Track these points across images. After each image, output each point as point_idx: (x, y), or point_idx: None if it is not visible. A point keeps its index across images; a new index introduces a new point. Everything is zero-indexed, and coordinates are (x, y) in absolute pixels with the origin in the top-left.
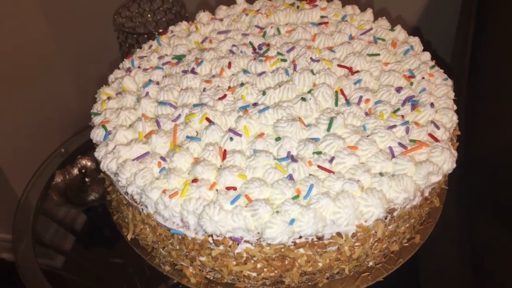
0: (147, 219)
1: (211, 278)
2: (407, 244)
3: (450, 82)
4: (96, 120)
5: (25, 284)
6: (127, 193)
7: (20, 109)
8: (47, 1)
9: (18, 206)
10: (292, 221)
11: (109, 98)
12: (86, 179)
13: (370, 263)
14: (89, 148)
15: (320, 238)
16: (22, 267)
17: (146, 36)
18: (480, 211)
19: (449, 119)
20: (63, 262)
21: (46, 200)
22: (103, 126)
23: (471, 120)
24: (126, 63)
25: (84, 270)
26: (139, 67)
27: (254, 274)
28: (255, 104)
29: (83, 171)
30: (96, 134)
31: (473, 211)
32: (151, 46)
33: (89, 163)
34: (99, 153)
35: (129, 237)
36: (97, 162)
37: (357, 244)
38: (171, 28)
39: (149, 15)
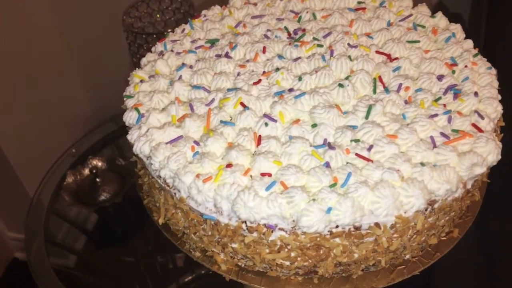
0: (179, 204)
1: (243, 265)
2: (444, 238)
3: (494, 71)
4: (129, 102)
5: (37, 282)
6: (160, 176)
7: (31, 110)
8: (56, 2)
9: (31, 206)
10: (329, 210)
11: (142, 81)
12: (97, 179)
13: (407, 256)
14: (100, 148)
15: (357, 228)
16: (35, 266)
17: (155, 36)
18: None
19: (494, 109)
20: (76, 262)
21: (57, 200)
22: (136, 109)
23: None
24: (159, 47)
25: (96, 269)
26: (171, 50)
27: (287, 263)
28: (290, 90)
29: (94, 171)
30: (129, 117)
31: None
32: (183, 30)
33: (100, 163)
34: (132, 136)
35: (160, 221)
36: (107, 162)
37: (395, 235)
38: (203, 12)
39: (158, 15)
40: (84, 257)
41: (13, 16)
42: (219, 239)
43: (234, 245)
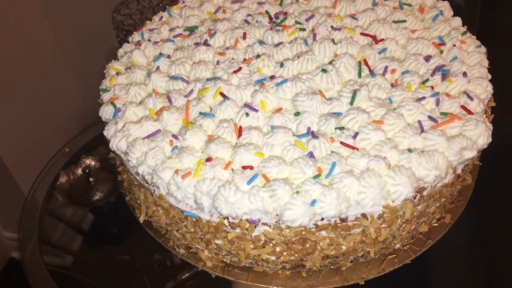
0: (159, 201)
1: (228, 261)
2: (436, 225)
3: (483, 49)
4: (105, 97)
5: (31, 282)
6: (138, 173)
7: (25, 109)
8: (47, 1)
9: (24, 205)
10: (313, 202)
11: (118, 73)
12: (91, 179)
13: (397, 245)
14: (94, 147)
15: (343, 220)
16: (28, 265)
17: None
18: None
19: (484, 89)
20: (71, 261)
21: (51, 200)
22: (112, 103)
23: None
24: (136, 36)
25: (92, 269)
26: (149, 40)
27: (273, 258)
28: (272, 77)
29: (87, 170)
30: (105, 112)
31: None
32: (161, 17)
33: (93, 163)
34: (108, 132)
35: (141, 219)
36: (101, 161)
37: (383, 225)
38: None
39: (148, 12)
40: (79, 257)
41: (4, 16)
42: (202, 236)
43: (217, 242)
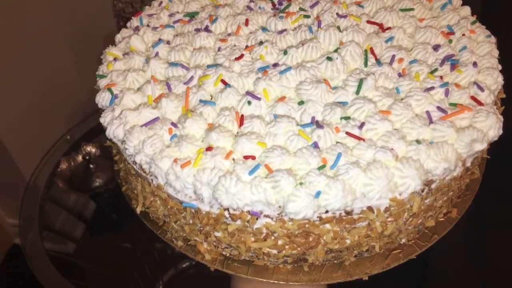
0: (157, 191)
1: (227, 254)
2: (442, 219)
3: (493, 39)
4: (102, 83)
5: (31, 267)
6: (135, 162)
7: (27, 97)
8: None
9: (25, 192)
10: (317, 194)
11: (115, 59)
12: (91, 166)
13: (403, 240)
14: (95, 135)
15: (348, 213)
16: (29, 251)
17: None
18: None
19: (494, 80)
20: (73, 248)
21: (52, 186)
22: (109, 90)
23: None
24: (134, 22)
25: (93, 255)
26: (148, 25)
27: (275, 252)
28: (275, 65)
29: (87, 157)
30: (102, 98)
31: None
32: (161, 2)
33: (93, 150)
34: (104, 119)
35: (138, 210)
36: (101, 149)
37: (389, 219)
38: None
39: (149, 1)
40: (80, 243)
41: (6, 3)
42: (201, 228)
43: (217, 234)
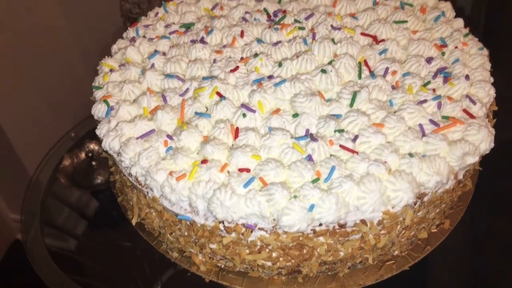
0: (152, 203)
1: (222, 266)
2: (435, 230)
3: (486, 51)
4: (98, 94)
5: (31, 263)
6: (131, 174)
7: (34, 93)
8: None
9: (28, 187)
10: (311, 207)
11: (111, 70)
12: (93, 163)
13: (396, 252)
14: None
15: (342, 226)
16: (30, 247)
17: None
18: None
19: (486, 93)
20: (74, 245)
21: (55, 182)
22: (105, 101)
23: None
24: (130, 32)
25: (93, 253)
26: (144, 36)
27: (269, 264)
28: (270, 77)
29: (90, 154)
30: (98, 110)
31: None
32: (157, 13)
33: (96, 147)
34: (100, 131)
35: (133, 221)
36: None
37: (383, 232)
38: None
39: (156, 2)
40: (82, 240)
41: (17, 5)
42: (196, 240)
43: (212, 246)
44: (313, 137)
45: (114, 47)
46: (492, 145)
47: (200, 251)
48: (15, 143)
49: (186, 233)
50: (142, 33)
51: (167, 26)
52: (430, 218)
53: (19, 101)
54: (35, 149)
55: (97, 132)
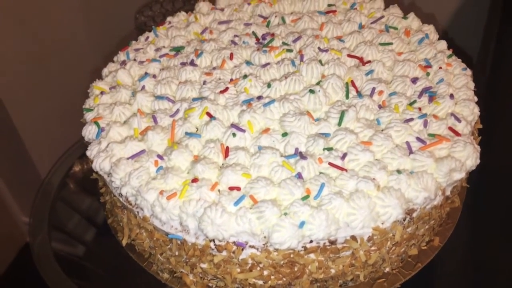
0: (143, 223)
1: (214, 286)
2: (425, 248)
3: (469, 72)
4: (88, 116)
5: (37, 266)
6: (121, 194)
7: (53, 99)
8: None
9: (38, 191)
10: (302, 224)
11: (102, 92)
12: None
13: (387, 269)
14: None
15: (332, 242)
16: (37, 250)
17: None
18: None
19: (470, 112)
20: (80, 250)
21: (65, 188)
22: (96, 123)
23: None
24: (121, 56)
25: (99, 259)
26: (134, 59)
27: (260, 282)
28: (259, 98)
29: None
30: (88, 132)
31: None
32: (147, 37)
33: None
34: (91, 152)
35: (124, 242)
36: None
37: (373, 248)
38: (169, 19)
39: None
40: (88, 246)
41: (44, 13)
42: (187, 260)
43: (203, 265)
44: (302, 155)
45: (105, 70)
46: (478, 161)
47: (191, 271)
48: (29, 147)
49: (177, 253)
50: (132, 56)
51: (157, 49)
52: (420, 235)
53: (35, 106)
54: (49, 153)
55: (88, 153)
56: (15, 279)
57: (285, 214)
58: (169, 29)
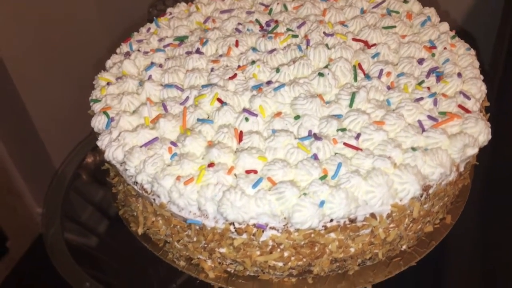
0: (160, 210)
1: (232, 271)
2: (438, 226)
3: (473, 51)
4: (96, 107)
5: (50, 257)
6: (136, 182)
7: (66, 89)
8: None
9: (51, 182)
10: (322, 203)
11: (108, 83)
12: None
13: (404, 247)
14: None
15: (352, 221)
16: (50, 241)
17: None
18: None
19: (478, 89)
20: (93, 241)
21: (78, 179)
22: (105, 113)
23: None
24: (124, 47)
25: (112, 251)
26: (138, 50)
27: (281, 264)
28: (268, 83)
29: None
30: (98, 122)
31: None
32: (149, 29)
33: None
34: (102, 142)
35: (139, 231)
36: None
37: (392, 225)
38: (169, 10)
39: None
40: (101, 237)
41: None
42: (206, 245)
43: (222, 250)
44: (317, 137)
45: (109, 62)
46: (490, 136)
47: (210, 256)
48: (44, 139)
49: (195, 239)
50: (136, 47)
51: (160, 40)
52: (435, 212)
53: (49, 97)
54: (63, 145)
55: (99, 144)
56: (28, 268)
57: (305, 194)
58: (170, 20)
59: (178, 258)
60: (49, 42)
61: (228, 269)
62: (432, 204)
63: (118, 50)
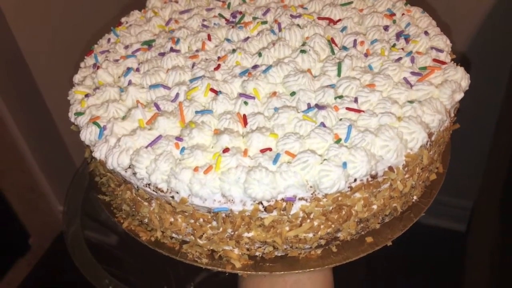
0: (180, 207)
1: (259, 255)
2: (435, 177)
3: (427, 14)
4: (82, 120)
5: (71, 254)
6: (149, 184)
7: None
8: None
9: (72, 181)
10: (344, 164)
11: (87, 95)
12: None
13: (415, 197)
14: None
15: (374, 177)
16: (71, 238)
17: None
18: None
19: (445, 44)
20: (113, 240)
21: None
22: (95, 123)
23: None
24: (89, 60)
25: (131, 249)
26: (106, 59)
27: (310, 235)
28: (255, 67)
29: None
30: (89, 134)
31: None
32: (109, 39)
33: None
34: (100, 152)
35: (158, 235)
36: None
37: (407, 176)
38: (123, 19)
39: None
40: (121, 235)
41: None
42: (232, 233)
43: (250, 234)
44: (319, 106)
45: (77, 77)
46: (469, 81)
47: (236, 244)
48: (66, 139)
49: (220, 229)
50: (102, 58)
51: (126, 47)
52: (435, 160)
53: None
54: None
55: (96, 155)
56: (51, 265)
57: (325, 160)
58: (129, 28)
59: (199, 257)
60: (68, 41)
61: (256, 254)
62: (434, 151)
63: (82, 65)
